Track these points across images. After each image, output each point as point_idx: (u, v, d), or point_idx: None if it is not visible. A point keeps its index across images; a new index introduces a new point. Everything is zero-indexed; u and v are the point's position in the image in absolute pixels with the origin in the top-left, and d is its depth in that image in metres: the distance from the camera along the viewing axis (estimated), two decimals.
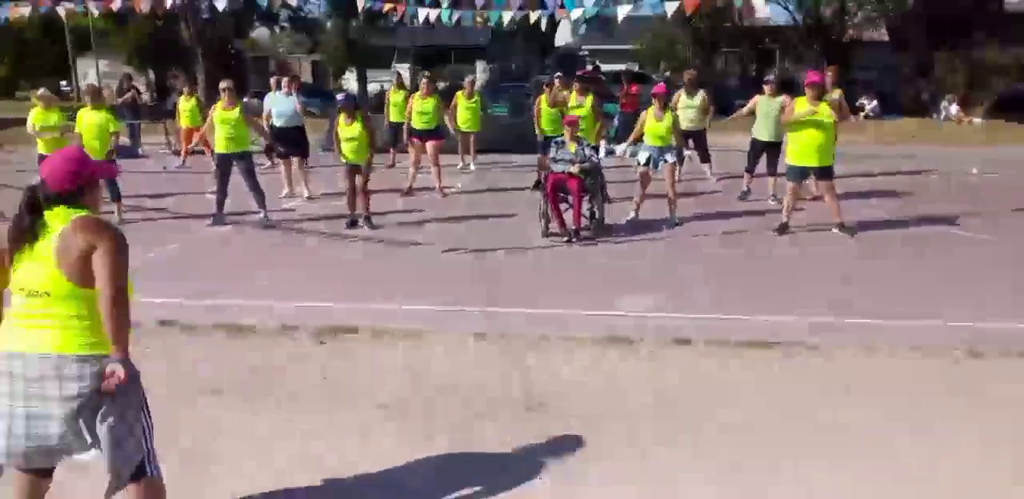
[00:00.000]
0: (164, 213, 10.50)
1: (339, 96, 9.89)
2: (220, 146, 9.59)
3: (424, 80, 12.10)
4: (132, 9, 13.88)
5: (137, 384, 2.96)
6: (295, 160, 11.64)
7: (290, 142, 11.54)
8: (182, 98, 15.11)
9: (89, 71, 35.05)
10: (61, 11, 14.22)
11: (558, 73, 13.20)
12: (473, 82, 14.56)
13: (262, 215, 9.61)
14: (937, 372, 5.00)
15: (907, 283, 7.03)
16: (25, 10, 13.69)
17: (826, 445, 4.05)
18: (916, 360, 5.19)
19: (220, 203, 9.57)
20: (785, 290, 6.82)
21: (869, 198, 11.10)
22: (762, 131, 10.85)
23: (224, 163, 9.56)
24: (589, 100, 10.78)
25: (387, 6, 14.24)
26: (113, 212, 9.54)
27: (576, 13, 13.23)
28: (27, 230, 2.85)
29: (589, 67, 30.68)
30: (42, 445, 2.86)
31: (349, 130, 9.25)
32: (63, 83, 35.15)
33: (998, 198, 11.05)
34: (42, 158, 10.43)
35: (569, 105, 10.77)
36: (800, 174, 8.88)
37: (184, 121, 14.47)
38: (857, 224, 9.10)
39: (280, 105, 11.76)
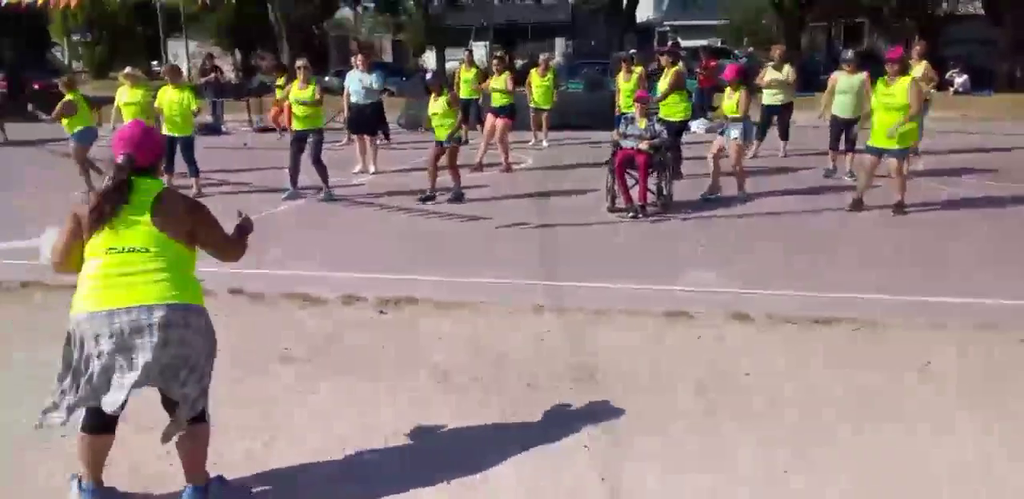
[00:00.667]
0: (241, 187, 10.80)
1: (427, 74, 10.14)
2: (295, 124, 9.83)
3: (495, 59, 12.26)
4: None
5: (213, 336, 3.20)
6: (368, 137, 11.83)
7: (364, 118, 11.78)
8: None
9: (179, 52, 36.11)
10: None
11: (632, 50, 13.15)
12: (548, 60, 14.59)
13: (324, 192, 9.79)
14: (1005, 352, 4.84)
15: (983, 263, 6.78)
16: None
17: (883, 421, 3.97)
18: (985, 339, 5.03)
19: (294, 178, 9.81)
20: (852, 268, 6.67)
21: (953, 175, 10.71)
22: (840, 108, 10.57)
23: (298, 140, 9.79)
24: (671, 74, 10.68)
25: None
26: (192, 187, 9.88)
27: None
28: (121, 200, 3.07)
29: (669, 43, 30.18)
30: (148, 382, 3.02)
31: (434, 107, 9.47)
32: (154, 63, 36.26)
33: None
34: (170, 140, 10.90)
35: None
36: (876, 153, 8.62)
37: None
38: (944, 202, 8.82)
39: (355, 82, 11.98)
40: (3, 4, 17.99)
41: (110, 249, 3.03)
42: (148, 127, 3.37)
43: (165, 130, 9.84)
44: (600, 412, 4.13)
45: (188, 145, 10.07)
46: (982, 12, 27.90)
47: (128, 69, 10.67)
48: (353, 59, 13.06)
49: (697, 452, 3.74)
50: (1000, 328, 5.15)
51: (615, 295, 5.98)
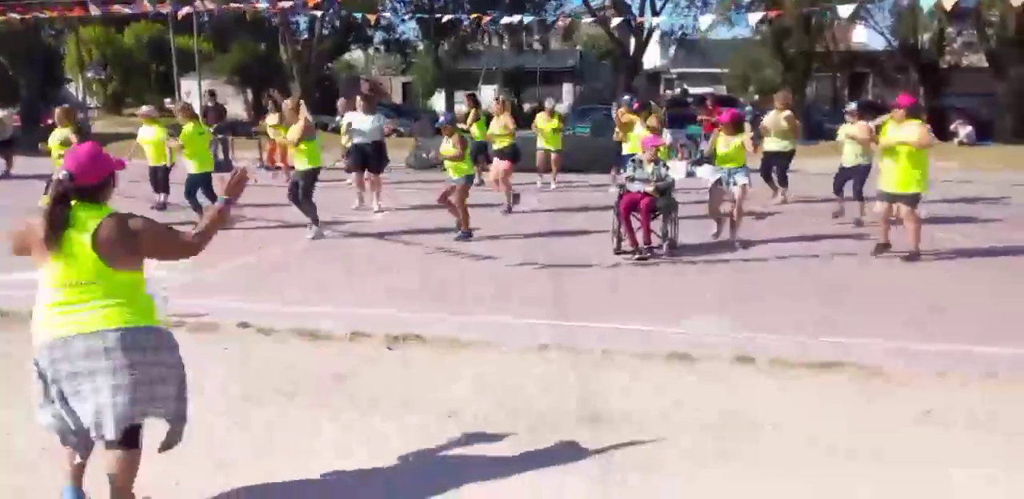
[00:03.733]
0: (248, 223, 10.89)
1: (442, 117, 10.40)
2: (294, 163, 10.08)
3: (495, 101, 12.60)
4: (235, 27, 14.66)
5: (178, 355, 3.35)
6: (370, 175, 12.12)
7: (364, 158, 12.13)
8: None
9: (192, 89, 36.61)
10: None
11: (625, 97, 13.49)
12: (553, 105, 14.97)
13: (312, 229, 9.86)
14: (1010, 401, 4.85)
15: (986, 311, 6.81)
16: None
17: (883, 470, 3.98)
18: (990, 388, 5.04)
19: (313, 216, 9.92)
20: (855, 313, 6.70)
21: (954, 223, 10.80)
22: (845, 156, 10.76)
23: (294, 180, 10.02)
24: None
25: (473, 16, 14.80)
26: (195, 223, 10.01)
27: (656, 20, 13.59)
28: (61, 221, 3.11)
29: (678, 90, 30.61)
30: (105, 416, 3.12)
31: (446, 147, 9.68)
32: (167, 101, 36.77)
33: None
34: (152, 169, 11.09)
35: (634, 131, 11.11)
36: (884, 198, 8.70)
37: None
38: (953, 251, 8.92)
39: (357, 122, 12.34)
40: None
41: (64, 283, 3.14)
42: (98, 149, 3.33)
43: (191, 168, 10.11)
44: (604, 453, 4.14)
45: (207, 183, 10.22)
46: (986, 65, 28.27)
47: (145, 108, 10.90)
48: (355, 100, 13.33)
49: (701, 495, 3.75)
50: (1001, 377, 5.17)
51: (621, 336, 6.01)
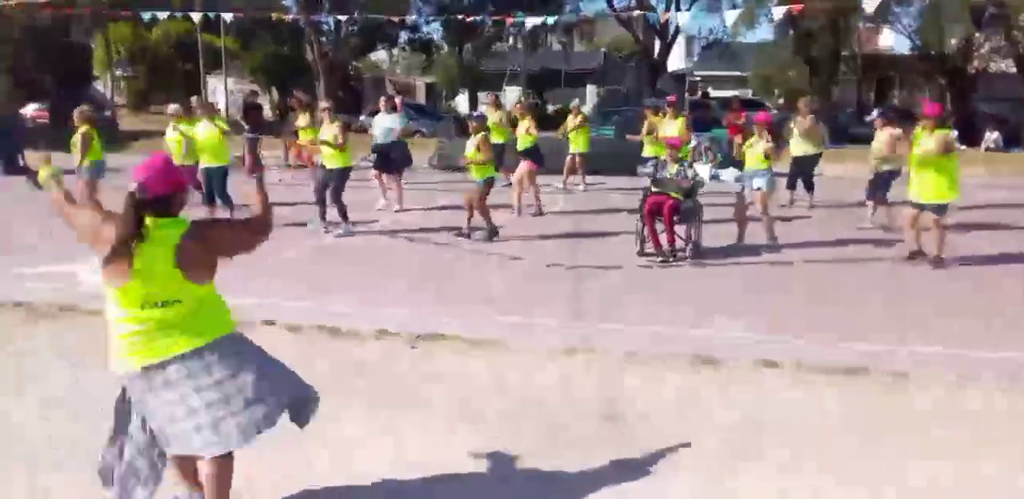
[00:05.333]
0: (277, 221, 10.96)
1: (475, 114, 10.51)
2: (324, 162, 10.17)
3: (517, 103, 12.63)
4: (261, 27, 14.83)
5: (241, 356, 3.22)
6: (392, 175, 12.28)
7: (386, 157, 12.31)
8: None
9: (218, 87, 36.90)
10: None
11: (650, 100, 13.51)
12: (578, 106, 14.95)
13: (343, 227, 9.98)
14: None
15: (1015, 318, 6.75)
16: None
17: (905, 475, 3.96)
18: (1010, 394, 5.01)
19: (343, 214, 10.02)
20: (881, 318, 6.66)
21: (982, 230, 10.70)
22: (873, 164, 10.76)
23: (323, 177, 10.17)
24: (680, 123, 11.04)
25: (496, 18, 14.91)
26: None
27: (681, 16, 13.65)
28: (134, 235, 2.92)
29: (699, 93, 30.55)
30: (223, 429, 3.10)
31: (469, 147, 9.78)
32: (193, 99, 37.09)
33: None
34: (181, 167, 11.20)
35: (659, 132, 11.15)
36: (913, 205, 8.65)
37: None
38: (980, 257, 8.85)
39: (380, 123, 12.53)
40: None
41: (143, 303, 2.99)
42: (167, 158, 3.24)
43: (203, 161, 10.19)
44: (624, 454, 4.14)
45: (223, 176, 10.30)
46: (1014, 70, 28.01)
47: (172, 106, 11.03)
48: (381, 101, 13.43)
49: (719, 496, 3.75)
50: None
51: (643, 338, 6.01)
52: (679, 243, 8.83)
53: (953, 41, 30.47)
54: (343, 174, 10.03)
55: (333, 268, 8.45)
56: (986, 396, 4.97)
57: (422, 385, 5.09)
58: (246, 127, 15.60)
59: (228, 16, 19.43)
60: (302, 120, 14.52)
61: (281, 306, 6.67)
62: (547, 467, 4.01)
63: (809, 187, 12.44)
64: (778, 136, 10.25)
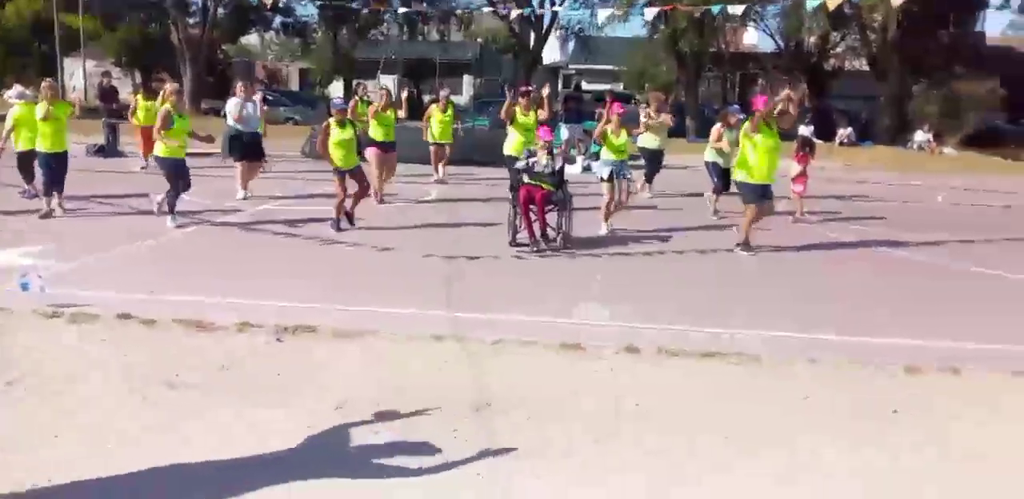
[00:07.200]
0: (134, 210, 10.54)
1: (337, 101, 10.23)
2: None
3: (382, 92, 12.43)
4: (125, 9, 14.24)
5: None
6: (249, 163, 12.03)
7: (247, 145, 12.00)
8: (139, 97, 15.22)
9: (76, 71, 35.05)
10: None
11: (511, 88, 13.44)
12: (448, 96, 14.84)
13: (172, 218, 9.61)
14: (877, 386, 5.14)
15: (858, 302, 7.19)
16: None
17: (762, 449, 4.17)
18: (858, 373, 5.33)
19: (171, 205, 9.66)
20: (738, 304, 6.96)
21: (830, 221, 11.33)
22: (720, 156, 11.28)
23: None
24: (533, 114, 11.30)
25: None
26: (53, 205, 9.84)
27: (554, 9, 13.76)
28: None
29: (573, 85, 30.98)
30: None
31: (341, 134, 9.52)
32: (45, 81, 35.07)
33: (958, 224, 11.32)
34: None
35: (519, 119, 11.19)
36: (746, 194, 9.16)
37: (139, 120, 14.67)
38: (827, 244, 9.31)
39: (236, 110, 12.18)
40: None
41: None
42: None
43: (41, 146, 9.71)
44: (496, 440, 4.19)
45: (63, 162, 9.88)
46: (867, 68, 29.63)
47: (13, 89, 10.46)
48: (237, 86, 13.04)
49: (591, 479, 3.85)
50: (874, 364, 5.47)
51: (513, 326, 6.09)
52: (551, 233, 8.98)
53: (811, 40, 32.02)
54: (165, 163, 9.61)
55: (195, 260, 8.17)
56: (833, 376, 5.28)
57: (290, 377, 5.00)
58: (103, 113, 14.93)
59: None
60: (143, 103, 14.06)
61: (137, 299, 6.42)
62: (420, 454, 4.01)
63: (650, 179, 12.93)
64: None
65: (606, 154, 9.85)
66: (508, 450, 4.09)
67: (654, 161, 12.94)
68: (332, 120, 9.61)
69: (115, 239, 8.61)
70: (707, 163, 11.35)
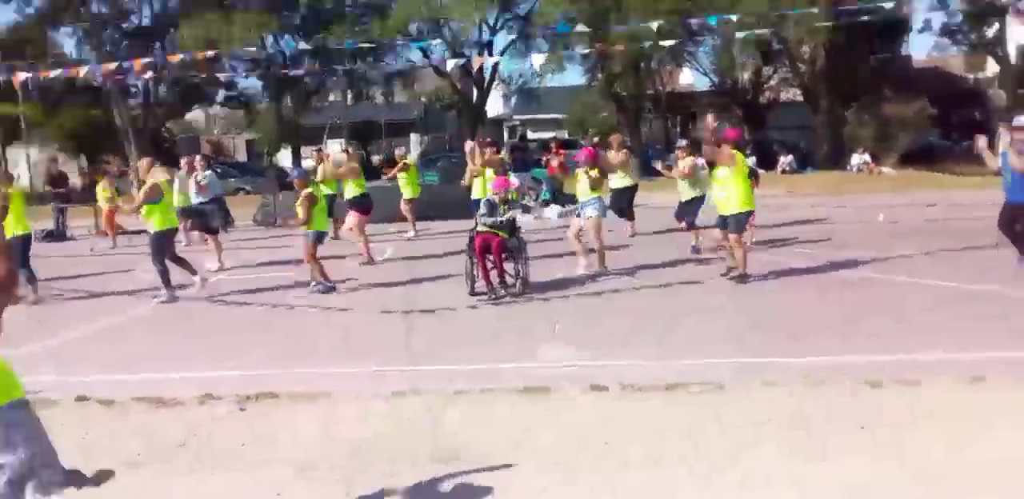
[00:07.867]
0: (91, 292, 10.44)
1: (297, 171, 10.42)
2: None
3: (344, 152, 12.72)
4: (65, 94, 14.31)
5: None
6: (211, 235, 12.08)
7: (202, 216, 12.27)
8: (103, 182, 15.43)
9: (19, 160, 34.82)
10: None
11: (474, 140, 13.68)
12: (404, 155, 15.27)
13: (164, 292, 9.58)
14: (838, 404, 5.22)
15: (812, 325, 7.32)
16: None
17: (731, 479, 4.21)
18: (816, 394, 5.40)
19: (164, 279, 9.63)
20: (697, 335, 7.05)
21: (781, 247, 11.57)
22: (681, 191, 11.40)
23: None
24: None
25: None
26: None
27: (490, 60, 14.09)
28: None
29: (517, 137, 31.50)
30: None
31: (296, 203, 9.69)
32: None
33: (899, 241, 11.64)
34: None
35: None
36: (720, 225, 9.34)
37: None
38: (778, 271, 9.52)
39: (184, 184, 12.48)
40: None
41: None
42: None
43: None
44: (460, 490, 4.18)
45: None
46: (801, 98, 30.54)
47: None
48: (183, 162, 13.23)
49: None
50: (828, 383, 5.56)
51: (474, 375, 6.09)
52: (508, 279, 9.05)
53: (745, 76, 32.99)
54: (156, 237, 9.67)
55: (151, 336, 8.09)
56: (791, 399, 5.35)
57: (251, 446, 4.95)
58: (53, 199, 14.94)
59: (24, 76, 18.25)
60: (101, 186, 14.13)
61: (95, 380, 6.33)
62: None
63: (627, 216, 13.10)
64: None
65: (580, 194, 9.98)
66: (473, 495, 4.07)
67: (626, 197, 13.14)
68: (309, 189, 9.70)
69: (69, 322, 8.54)
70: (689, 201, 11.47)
